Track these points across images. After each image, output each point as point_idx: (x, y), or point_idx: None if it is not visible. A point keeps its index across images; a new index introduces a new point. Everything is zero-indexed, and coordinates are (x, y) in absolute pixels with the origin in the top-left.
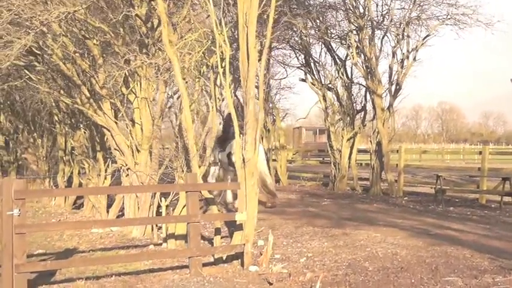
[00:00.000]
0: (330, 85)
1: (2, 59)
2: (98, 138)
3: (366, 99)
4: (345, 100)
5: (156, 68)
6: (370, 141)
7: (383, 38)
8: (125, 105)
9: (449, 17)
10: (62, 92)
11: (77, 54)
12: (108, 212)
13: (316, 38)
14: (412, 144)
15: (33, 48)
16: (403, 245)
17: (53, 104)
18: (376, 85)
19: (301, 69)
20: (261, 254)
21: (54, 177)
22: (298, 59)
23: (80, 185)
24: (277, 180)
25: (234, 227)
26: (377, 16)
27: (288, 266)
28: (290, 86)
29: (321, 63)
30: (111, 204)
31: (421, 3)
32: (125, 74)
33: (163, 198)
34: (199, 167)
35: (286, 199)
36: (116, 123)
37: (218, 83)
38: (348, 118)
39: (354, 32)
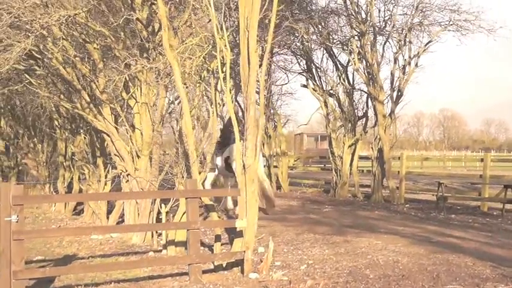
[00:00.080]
0: (331, 91)
1: (2, 63)
2: (98, 144)
3: (367, 106)
4: (346, 106)
5: (157, 72)
6: (372, 147)
7: (385, 43)
8: (125, 110)
9: (451, 23)
10: (62, 96)
11: (77, 58)
12: (108, 218)
13: (317, 44)
14: (414, 151)
15: (34, 52)
16: (405, 252)
17: (53, 109)
18: (377, 91)
19: (303, 75)
20: (262, 261)
21: (54, 183)
22: (299, 64)
23: (80, 191)
24: (279, 187)
25: (234, 233)
26: (379, 22)
27: (289, 274)
28: (291, 91)
29: (322, 69)
30: (111, 210)
31: (423, 9)
32: (125, 78)
33: (163, 205)
34: (200, 173)
35: (287, 206)
36: (116, 128)
37: (219, 88)
38: (350, 124)
39: (356, 37)
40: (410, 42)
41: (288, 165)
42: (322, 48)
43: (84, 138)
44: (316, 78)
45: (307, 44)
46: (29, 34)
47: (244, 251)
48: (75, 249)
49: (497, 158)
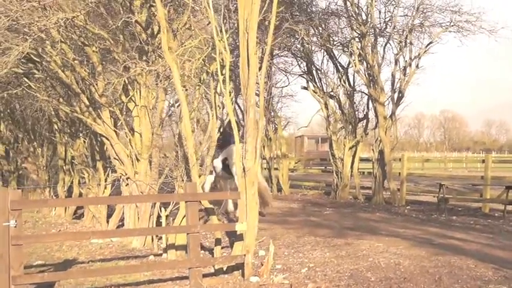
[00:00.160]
0: (332, 93)
1: (0, 66)
2: (97, 147)
3: (368, 107)
4: (347, 108)
5: (156, 75)
6: (373, 149)
7: (385, 45)
8: (125, 113)
9: (452, 24)
10: (61, 100)
11: (76, 61)
12: (108, 222)
13: (318, 46)
14: (415, 152)
15: (32, 56)
16: (406, 255)
17: (52, 113)
18: (378, 93)
19: (303, 77)
20: (262, 265)
21: (54, 187)
22: (300, 66)
23: (80, 194)
24: (279, 189)
25: (234, 236)
26: (380, 23)
27: (289, 277)
28: (292, 94)
29: (323, 70)
30: (111, 214)
31: (424, 10)
32: (125, 81)
33: (163, 208)
34: (199, 176)
35: (288, 208)
36: (116, 131)
37: (218, 90)
38: (350, 126)
39: (356, 39)
40: (411, 43)
41: (289, 168)
42: (322, 50)
43: (84, 141)
44: (316, 80)
45: (307, 45)
46: (27, 37)
47: (245, 255)
48: (75, 253)
49: (499, 159)
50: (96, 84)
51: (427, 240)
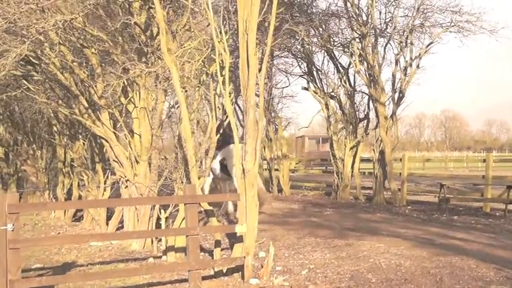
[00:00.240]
0: (332, 93)
1: None
2: (96, 150)
3: (368, 108)
4: (347, 108)
5: (155, 77)
6: (373, 149)
7: (386, 45)
8: (124, 115)
9: (453, 24)
10: (60, 102)
11: (75, 63)
12: (107, 224)
13: (318, 46)
14: (416, 152)
15: (31, 58)
16: (407, 255)
17: (52, 115)
18: (379, 93)
19: (304, 77)
20: (262, 266)
21: (54, 190)
22: (300, 67)
23: (80, 197)
24: (280, 190)
25: (234, 238)
26: (380, 24)
27: (290, 279)
28: (292, 94)
29: (323, 71)
30: (110, 216)
31: (425, 11)
32: (124, 83)
33: (162, 210)
34: (199, 178)
35: (289, 209)
36: (115, 133)
37: (218, 91)
38: (351, 127)
39: (357, 39)
40: (411, 43)
41: (289, 168)
42: (323, 51)
43: (83, 144)
44: (317, 81)
45: (307, 46)
46: (25, 39)
47: (245, 257)
48: (74, 256)
49: (500, 159)
50: (95, 86)
51: (428, 241)
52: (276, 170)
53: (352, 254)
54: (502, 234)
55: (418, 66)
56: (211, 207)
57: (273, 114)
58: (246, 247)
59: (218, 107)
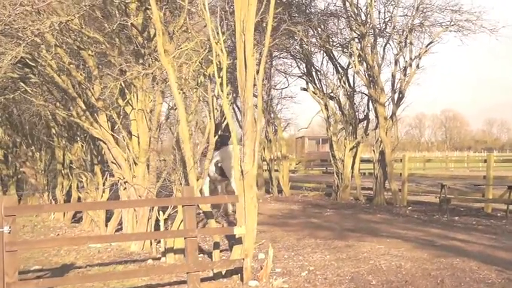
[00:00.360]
0: (331, 94)
1: None
2: (95, 151)
3: (368, 108)
4: (347, 109)
5: (153, 78)
6: (373, 150)
7: (385, 45)
8: (121, 117)
9: (452, 23)
10: (58, 104)
11: (72, 65)
12: (107, 225)
13: (317, 47)
14: (416, 152)
15: (27, 60)
16: (408, 257)
17: (50, 117)
18: (378, 93)
19: (303, 78)
20: (262, 268)
21: (53, 191)
22: (299, 68)
23: (79, 199)
24: (280, 191)
25: (234, 240)
26: (379, 23)
27: (289, 281)
28: (291, 95)
29: (322, 72)
30: (110, 217)
31: (424, 10)
32: (121, 85)
33: (161, 212)
34: (197, 179)
35: (288, 210)
36: (113, 135)
37: (216, 93)
38: (351, 127)
39: (356, 40)
40: (411, 43)
41: (289, 169)
42: (322, 51)
43: (82, 146)
44: (316, 81)
45: (306, 47)
46: (20, 42)
47: (243, 259)
48: (73, 258)
49: (501, 159)
50: (93, 88)
51: (429, 242)
52: (276, 170)
53: (352, 256)
54: (503, 235)
55: (417, 66)
56: (210, 209)
57: (272, 115)
58: (245, 249)
59: (216, 108)
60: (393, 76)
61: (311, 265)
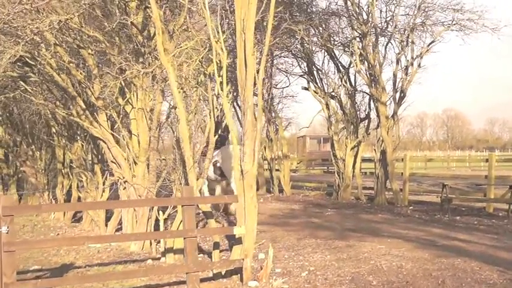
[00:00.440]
0: (333, 93)
1: None
2: (95, 151)
3: (369, 107)
4: (348, 108)
5: (152, 77)
6: (375, 149)
7: (387, 44)
8: (121, 116)
9: (454, 22)
10: (57, 103)
11: (71, 64)
12: (107, 225)
13: (318, 46)
14: (418, 151)
15: (27, 59)
16: (409, 257)
17: (50, 116)
18: (380, 93)
19: (304, 77)
20: (262, 268)
21: (53, 191)
22: (300, 67)
23: (79, 198)
24: (281, 190)
25: (234, 239)
26: (381, 22)
27: (289, 281)
28: (293, 94)
29: (323, 71)
30: (110, 217)
31: (426, 9)
32: (121, 84)
33: (161, 212)
34: (197, 179)
35: (289, 210)
36: (113, 135)
37: (216, 92)
38: (352, 126)
39: (357, 39)
40: (412, 42)
41: (290, 169)
42: (323, 50)
43: (82, 145)
44: (317, 81)
45: (307, 46)
46: (19, 40)
47: (243, 259)
48: (72, 257)
49: (503, 158)
50: (92, 87)
51: (430, 242)
52: (277, 170)
53: (353, 256)
54: (505, 235)
55: (419, 65)
56: (210, 209)
57: (273, 115)
58: (245, 249)
59: (216, 107)
60: (395, 75)
61: (311, 265)
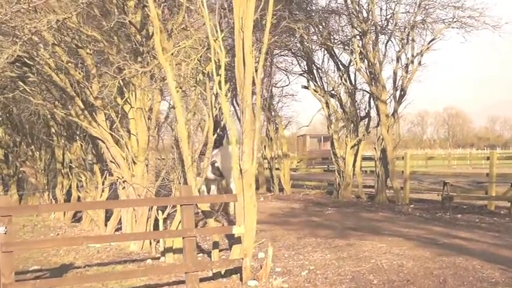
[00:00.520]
0: (333, 92)
1: None
2: (94, 150)
3: (369, 106)
4: (348, 107)
5: (151, 76)
6: (375, 148)
7: (387, 42)
8: (120, 115)
9: (455, 20)
10: (56, 103)
11: (70, 64)
12: (106, 225)
13: (318, 44)
14: (418, 149)
15: (25, 59)
16: (410, 255)
17: (48, 116)
18: (380, 91)
19: (304, 76)
20: (261, 268)
21: (53, 191)
22: (300, 65)
23: (79, 198)
24: (281, 189)
25: (233, 239)
26: (381, 20)
27: (289, 280)
28: (292, 93)
29: (323, 69)
30: (109, 216)
31: (426, 7)
32: (120, 84)
33: (160, 211)
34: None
35: (289, 208)
36: (111, 134)
37: (215, 91)
38: (352, 125)
39: (357, 37)
40: (413, 40)
41: (291, 167)
42: (322, 49)
43: (81, 145)
44: (317, 79)
45: (307, 44)
46: (17, 40)
47: (243, 258)
48: (72, 258)
49: (504, 156)
50: (91, 87)
51: (431, 240)
52: (277, 169)
53: (353, 255)
54: (507, 233)
55: (419, 63)
56: (209, 208)
57: (273, 113)
58: (244, 248)
59: (215, 106)
60: (395, 73)
61: (311, 264)
